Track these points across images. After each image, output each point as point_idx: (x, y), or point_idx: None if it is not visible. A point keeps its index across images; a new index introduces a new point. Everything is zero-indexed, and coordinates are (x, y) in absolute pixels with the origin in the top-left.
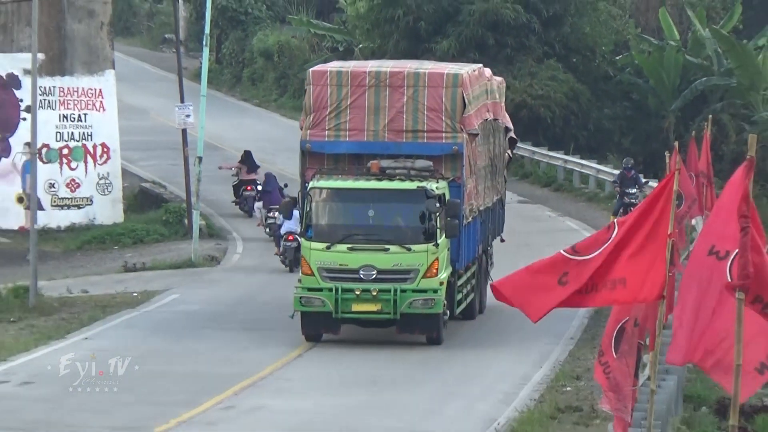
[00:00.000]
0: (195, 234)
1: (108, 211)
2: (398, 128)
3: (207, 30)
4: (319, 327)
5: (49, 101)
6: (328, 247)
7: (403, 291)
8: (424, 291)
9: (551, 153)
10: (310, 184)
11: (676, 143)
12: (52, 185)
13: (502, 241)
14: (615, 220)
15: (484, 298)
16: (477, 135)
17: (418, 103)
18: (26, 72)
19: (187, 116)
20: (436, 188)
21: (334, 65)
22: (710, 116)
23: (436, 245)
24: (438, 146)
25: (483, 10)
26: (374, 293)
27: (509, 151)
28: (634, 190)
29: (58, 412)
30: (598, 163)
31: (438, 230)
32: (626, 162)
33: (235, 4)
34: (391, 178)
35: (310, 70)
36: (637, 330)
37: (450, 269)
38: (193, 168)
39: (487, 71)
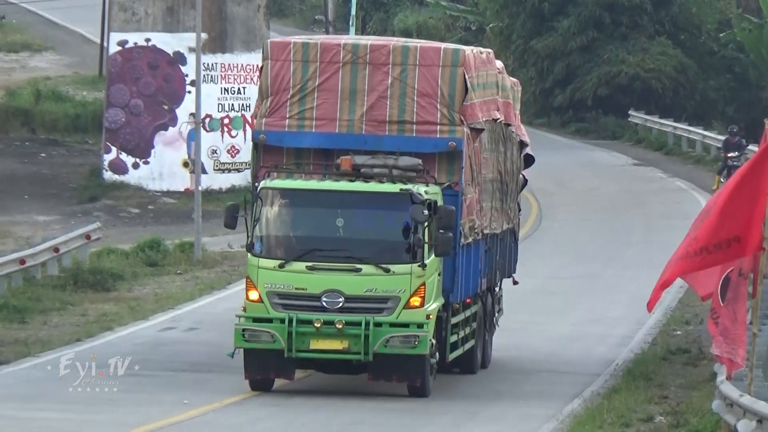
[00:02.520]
0: None
1: None
2: (380, 118)
3: (353, 11)
4: (268, 370)
5: (211, 76)
6: (281, 266)
7: (378, 325)
8: (406, 325)
9: (662, 120)
10: (261, 184)
11: None
12: (214, 151)
13: (515, 283)
14: (719, 179)
15: (489, 350)
16: (482, 131)
17: (407, 87)
18: (191, 50)
19: None
20: (426, 193)
21: (300, 37)
22: None
23: (423, 266)
24: (430, 141)
25: None
26: (339, 326)
27: (524, 173)
28: (736, 153)
29: (219, 355)
30: (704, 130)
31: (426, 247)
32: (731, 128)
33: None
34: (366, 178)
35: (269, 41)
36: (742, 279)
37: (441, 301)
38: None
39: (499, 63)
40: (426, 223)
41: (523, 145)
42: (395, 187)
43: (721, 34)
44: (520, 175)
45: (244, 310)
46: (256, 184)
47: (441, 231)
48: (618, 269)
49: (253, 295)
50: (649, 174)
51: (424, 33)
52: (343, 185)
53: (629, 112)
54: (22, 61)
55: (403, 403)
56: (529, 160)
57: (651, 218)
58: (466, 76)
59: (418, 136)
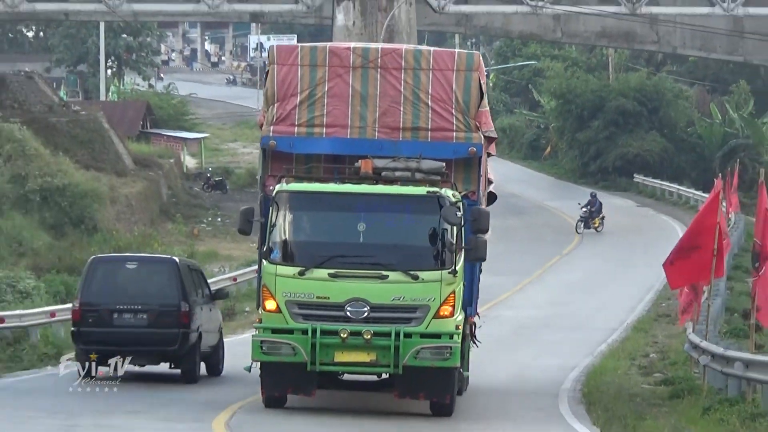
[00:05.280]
0: None
1: None
2: (393, 124)
3: None
4: (287, 385)
5: None
6: (301, 273)
7: (408, 336)
8: (437, 336)
9: (653, 180)
10: (277, 188)
11: (720, 174)
12: None
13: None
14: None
15: (467, 373)
16: (494, 140)
17: (420, 92)
18: None
19: None
20: (453, 196)
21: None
22: (737, 160)
23: (454, 273)
24: (449, 147)
25: (617, 105)
26: (368, 337)
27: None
28: (587, 209)
29: None
30: (678, 185)
31: (455, 252)
32: (592, 192)
33: None
34: (388, 181)
35: (275, 45)
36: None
37: (463, 314)
38: None
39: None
40: (458, 227)
41: (489, 182)
42: (422, 190)
43: (688, 129)
44: None
45: (260, 321)
46: (267, 191)
47: (476, 233)
48: (492, 395)
49: (270, 304)
50: (645, 212)
51: (512, 131)
52: (366, 188)
53: (634, 175)
54: None
55: (429, 422)
56: (492, 198)
57: (647, 239)
58: (481, 81)
59: (435, 141)
